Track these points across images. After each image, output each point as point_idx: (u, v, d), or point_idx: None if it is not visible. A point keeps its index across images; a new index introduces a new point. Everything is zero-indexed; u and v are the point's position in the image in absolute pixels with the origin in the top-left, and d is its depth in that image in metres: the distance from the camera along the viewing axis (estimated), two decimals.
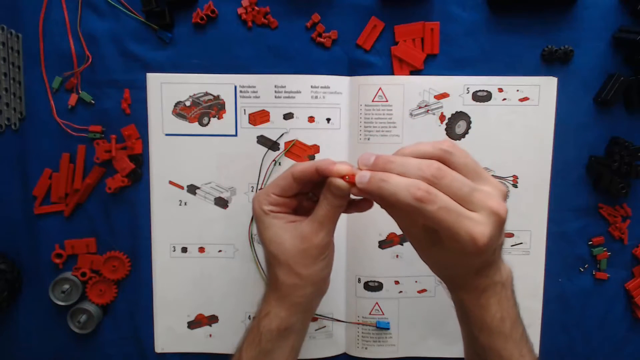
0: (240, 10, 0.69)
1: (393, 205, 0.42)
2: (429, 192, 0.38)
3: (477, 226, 0.38)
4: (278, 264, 0.49)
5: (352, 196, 0.47)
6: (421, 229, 0.44)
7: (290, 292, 0.50)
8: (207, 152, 0.71)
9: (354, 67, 0.70)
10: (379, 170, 0.41)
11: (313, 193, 0.52)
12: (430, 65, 0.70)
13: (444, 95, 0.70)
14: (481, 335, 0.46)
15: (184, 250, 0.72)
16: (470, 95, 0.70)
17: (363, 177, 0.41)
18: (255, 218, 0.51)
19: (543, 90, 0.70)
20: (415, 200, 0.38)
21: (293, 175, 0.48)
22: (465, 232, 0.38)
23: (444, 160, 0.41)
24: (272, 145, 0.70)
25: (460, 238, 0.39)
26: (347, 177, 0.44)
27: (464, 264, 0.44)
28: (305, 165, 0.47)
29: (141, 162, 0.71)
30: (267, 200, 0.50)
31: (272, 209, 0.50)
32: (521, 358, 0.46)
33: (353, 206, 0.51)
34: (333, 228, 0.49)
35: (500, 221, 0.40)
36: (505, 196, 0.42)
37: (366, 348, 0.74)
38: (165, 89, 0.70)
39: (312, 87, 0.69)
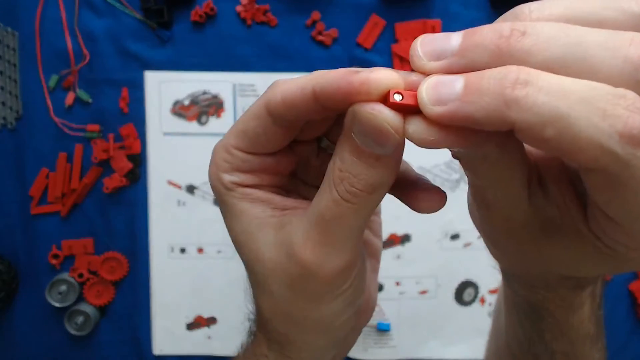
0: (239, 8, 0.68)
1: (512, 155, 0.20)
2: None
3: None
4: (257, 284, 0.26)
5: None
6: (530, 206, 0.22)
7: (285, 341, 0.27)
8: (206, 152, 0.69)
9: (354, 65, 0.69)
10: (481, 67, 0.17)
11: (329, 139, 0.26)
12: None
13: None
14: (558, 342, 0.31)
15: (183, 250, 0.72)
16: None
17: (447, 84, 0.17)
18: (215, 195, 0.27)
19: None
20: (622, 140, 0.15)
21: (269, 108, 0.23)
22: None
23: None
24: None
25: None
26: (395, 95, 0.18)
27: (591, 264, 0.22)
28: (294, 85, 0.22)
29: (139, 161, 0.70)
30: (228, 162, 0.25)
31: (238, 179, 0.25)
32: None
33: (413, 196, 0.24)
34: (358, 235, 0.23)
35: None
36: None
37: (366, 350, 0.73)
38: (164, 88, 0.69)
39: None
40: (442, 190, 0.23)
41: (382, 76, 0.18)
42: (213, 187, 0.26)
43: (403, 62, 0.68)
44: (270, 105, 0.23)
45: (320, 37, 0.69)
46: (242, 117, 0.25)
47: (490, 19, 0.67)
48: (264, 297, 0.26)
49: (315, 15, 0.68)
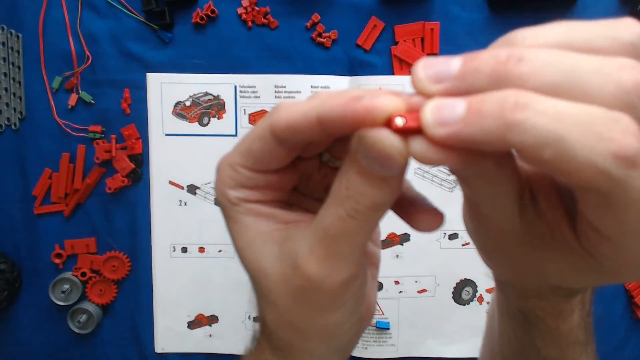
0: (240, 10, 0.69)
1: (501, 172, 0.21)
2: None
3: None
4: (262, 296, 0.27)
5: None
6: (522, 220, 0.23)
7: (289, 349, 0.28)
8: (207, 152, 0.70)
9: (354, 67, 0.70)
10: (479, 90, 0.17)
11: (331, 153, 0.27)
12: None
13: None
14: (549, 348, 0.32)
15: (184, 250, 0.72)
16: None
17: (450, 107, 0.17)
18: (221, 210, 0.27)
19: None
20: (616, 162, 0.15)
21: (273, 131, 0.23)
22: None
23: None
24: None
25: None
26: (397, 119, 0.18)
27: (581, 276, 0.23)
28: (297, 111, 0.22)
29: (141, 162, 0.71)
30: (233, 179, 0.26)
31: (244, 195, 0.26)
32: None
33: (413, 213, 0.24)
34: (361, 249, 0.24)
35: None
36: None
37: (366, 348, 0.74)
38: (165, 89, 0.70)
39: (312, 87, 0.69)
40: (440, 212, 0.24)
41: (385, 103, 0.19)
42: (219, 202, 0.27)
43: (402, 64, 0.69)
44: (274, 129, 0.23)
45: (320, 39, 0.69)
46: (247, 136, 0.25)
47: (489, 21, 0.68)
48: (269, 308, 0.27)
49: (315, 17, 0.69)
